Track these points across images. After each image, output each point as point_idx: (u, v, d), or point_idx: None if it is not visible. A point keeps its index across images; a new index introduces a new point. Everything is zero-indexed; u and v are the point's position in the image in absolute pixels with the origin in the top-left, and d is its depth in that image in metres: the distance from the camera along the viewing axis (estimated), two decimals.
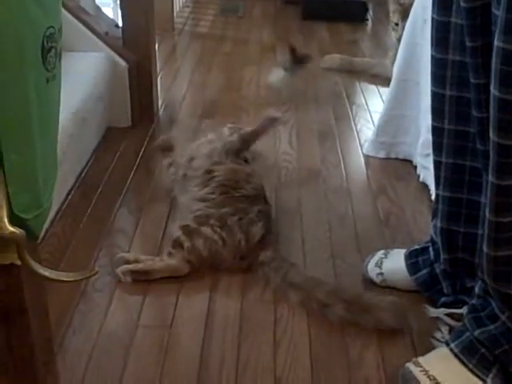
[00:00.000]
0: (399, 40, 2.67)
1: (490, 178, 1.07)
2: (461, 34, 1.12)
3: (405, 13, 2.64)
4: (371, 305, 1.36)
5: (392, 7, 2.84)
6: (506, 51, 0.97)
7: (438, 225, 1.32)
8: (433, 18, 1.20)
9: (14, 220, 0.88)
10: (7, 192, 0.87)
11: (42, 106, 0.90)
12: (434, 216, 1.35)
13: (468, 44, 1.09)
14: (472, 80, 1.11)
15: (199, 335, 1.32)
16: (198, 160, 1.72)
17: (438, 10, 1.18)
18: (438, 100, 1.24)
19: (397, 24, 2.81)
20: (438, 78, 1.23)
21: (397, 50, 2.24)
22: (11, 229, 0.86)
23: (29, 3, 0.83)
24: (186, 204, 1.64)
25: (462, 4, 1.07)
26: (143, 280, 1.46)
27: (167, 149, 1.91)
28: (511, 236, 1.09)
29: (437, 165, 1.29)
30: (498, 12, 0.99)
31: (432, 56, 1.23)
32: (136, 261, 1.49)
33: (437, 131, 1.26)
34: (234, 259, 1.51)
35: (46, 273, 0.95)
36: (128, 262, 1.48)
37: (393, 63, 2.45)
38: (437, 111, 1.25)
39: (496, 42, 0.99)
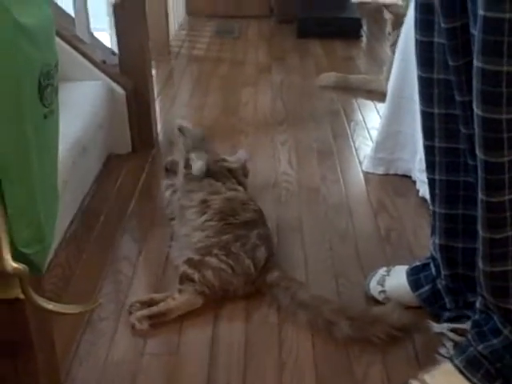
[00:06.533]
0: (392, 47, 2.71)
1: (480, 195, 1.07)
2: (444, 53, 1.14)
3: (396, 22, 2.68)
4: (377, 316, 1.38)
5: (387, 15, 2.88)
6: (485, 71, 0.98)
7: (437, 242, 1.33)
8: (416, 39, 1.21)
9: (17, 255, 0.89)
10: (9, 228, 0.88)
11: (40, 141, 0.91)
12: (433, 233, 1.36)
13: (450, 63, 1.10)
14: (457, 98, 1.12)
15: (205, 360, 1.32)
16: (194, 193, 1.72)
17: (420, 30, 1.20)
18: (427, 119, 1.25)
19: (389, 33, 2.85)
20: (425, 97, 1.24)
21: (390, 64, 2.26)
22: (14, 265, 0.87)
23: (24, 43, 0.84)
24: (185, 234, 1.63)
25: (443, 25, 1.09)
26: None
27: (172, 171, 1.91)
28: (505, 252, 1.10)
29: (431, 182, 1.30)
30: (475, 32, 1.00)
31: (418, 76, 1.24)
32: (150, 301, 1.46)
33: (428, 149, 1.28)
34: (245, 285, 1.51)
35: (50, 306, 0.95)
36: (144, 304, 1.45)
37: (386, 78, 2.48)
38: (427, 130, 1.26)
39: (475, 62, 1.00)
